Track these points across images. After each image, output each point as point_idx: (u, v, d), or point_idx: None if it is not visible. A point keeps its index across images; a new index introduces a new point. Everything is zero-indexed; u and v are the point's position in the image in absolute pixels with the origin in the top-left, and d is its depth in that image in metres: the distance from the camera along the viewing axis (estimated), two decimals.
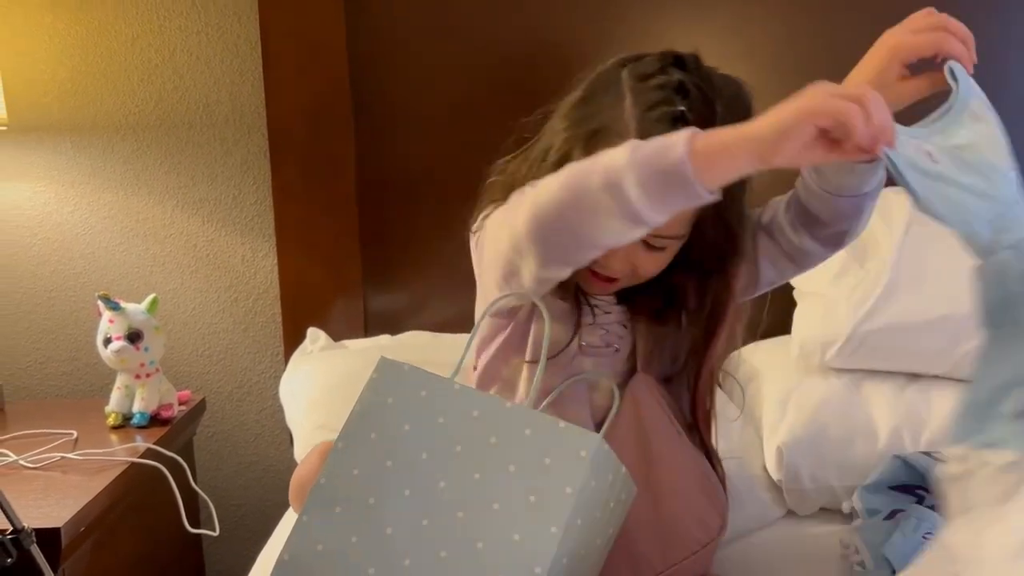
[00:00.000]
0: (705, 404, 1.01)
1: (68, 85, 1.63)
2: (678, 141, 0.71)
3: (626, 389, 0.95)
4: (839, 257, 1.34)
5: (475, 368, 1.04)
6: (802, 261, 0.99)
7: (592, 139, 0.87)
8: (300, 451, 1.39)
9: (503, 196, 0.91)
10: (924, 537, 0.98)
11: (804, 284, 1.40)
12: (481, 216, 0.97)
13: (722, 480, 1.01)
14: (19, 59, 1.61)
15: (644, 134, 0.81)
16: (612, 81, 0.89)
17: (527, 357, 0.98)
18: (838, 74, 1.48)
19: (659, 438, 0.93)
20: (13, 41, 1.61)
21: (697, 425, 1.00)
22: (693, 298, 0.96)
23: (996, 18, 1.51)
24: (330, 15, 1.52)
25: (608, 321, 0.99)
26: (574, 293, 0.96)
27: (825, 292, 1.34)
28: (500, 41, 1.55)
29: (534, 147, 0.96)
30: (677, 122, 0.83)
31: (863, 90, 0.67)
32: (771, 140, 0.68)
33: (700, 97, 0.85)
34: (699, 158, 0.70)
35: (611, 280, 0.93)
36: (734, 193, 0.87)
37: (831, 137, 0.67)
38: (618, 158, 0.74)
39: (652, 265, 0.92)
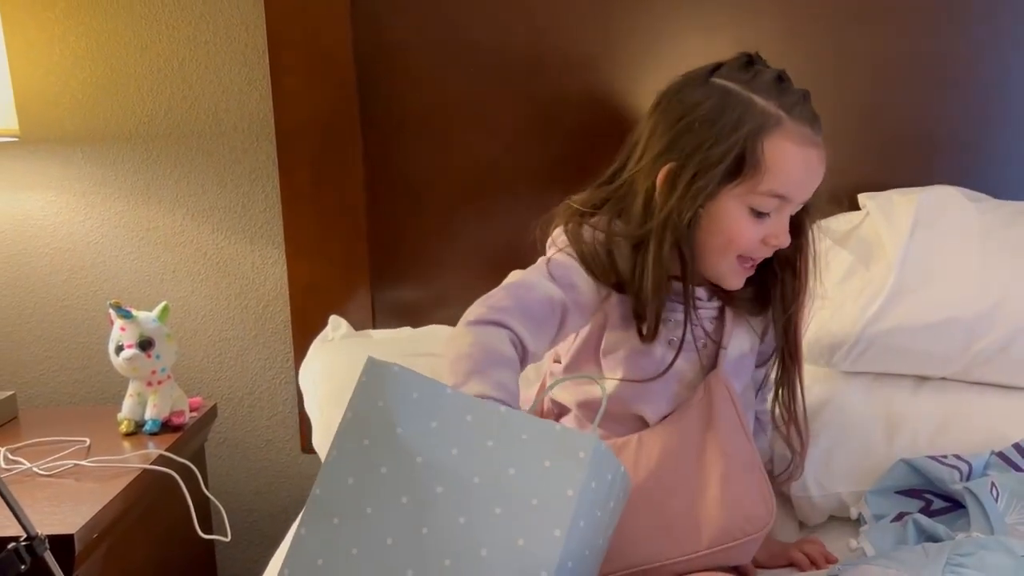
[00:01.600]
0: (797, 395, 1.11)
1: (79, 96, 1.65)
2: None
3: (704, 379, 1.02)
4: (845, 259, 1.35)
5: (556, 362, 1.11)
6: None
7: (750, 137, 0.96)
8: (319, 440, 1.40)
9: (568, 221, 1.04)
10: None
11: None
12: (552, 234, 1.07)
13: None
14: (31, 70, 1.63)
15: (794, 120, 0.97)
16: (720, 97, 0.99)
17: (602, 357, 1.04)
18: (837, 73, 1.50)
19: (724, 428, 0.98)
20: (25, 52, 1.62)
21: (797, 420, 1.10)
22: (779, 282, 1.07)
23: (999, 16, 1.51)
24: (337, 23, 1.53)
25: (701, 315, 1.05)
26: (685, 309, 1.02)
27: (831, 294, 1.34)
28: (506, 47, 1.56)
29: (617, 193, 1.05)
30: (807, 99, 1.00)
31: None
32: None
33: (802, 91, 1.01)
34: None
35: (755, 262, 1.03)
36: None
37: None
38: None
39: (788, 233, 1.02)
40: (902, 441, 1.22)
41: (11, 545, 0.84)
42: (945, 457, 1.13)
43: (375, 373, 0.84)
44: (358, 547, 0.77)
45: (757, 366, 1.13)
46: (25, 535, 0.84)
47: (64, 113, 1.65)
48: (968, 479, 1.09)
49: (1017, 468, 1.11)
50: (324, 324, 1.59)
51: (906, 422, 1.24)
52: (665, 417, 1.04)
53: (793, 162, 0.97)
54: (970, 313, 1.26)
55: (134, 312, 1.45)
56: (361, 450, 0.81)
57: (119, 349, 1.45)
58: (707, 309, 1.06)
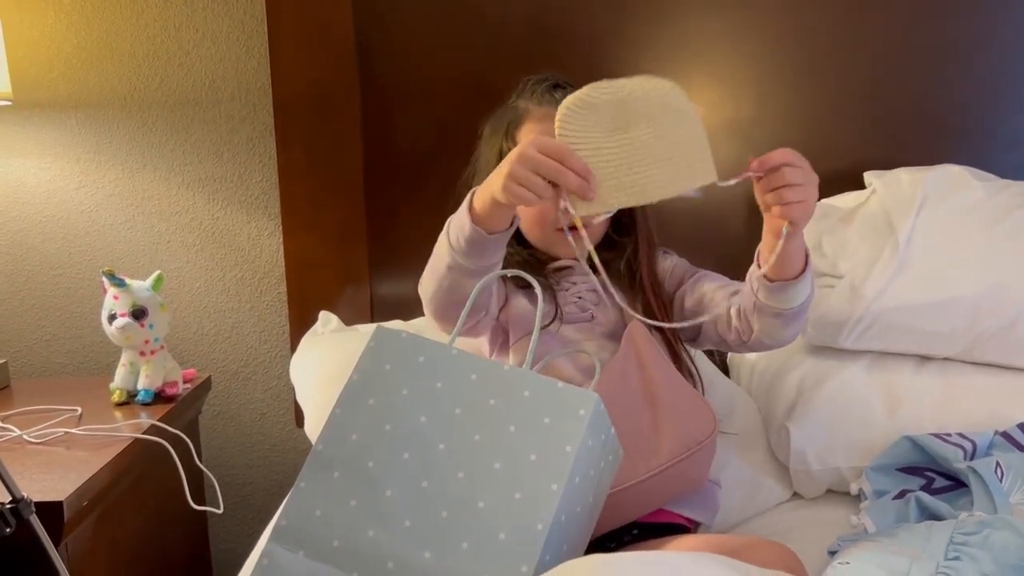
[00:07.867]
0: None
1: (73, 61, 1.62)
2: (464, 212, 0.96)
3: (625, 333, 1.10)
4: (851, 238, 1.33)
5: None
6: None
7: (505, 137, 1.17)
8: (312, 426, 1.39)
9: None
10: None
11: (815, 265, 1.39)
12: None
13: None
14: (24, 34, 1.61)
15: (537, 104, 1.16)
16: (505, 109, 1.21)
17: (512, 339, 1.15)
18: (843, 51, 1.48)
19: (654, 365, 1.07)
20: (18, 17, 1.60)
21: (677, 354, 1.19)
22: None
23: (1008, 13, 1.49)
24: None
25: (580, 290, 1.17)
26: (543, 274, 1.17)
27: (836, 273, 1.32)
28: (508, 20, 1.53)
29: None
30: (556, 87, 1.17)
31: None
32: (498, 185, 0.91)
33: (563, 81, 1.18)
34: (477, 217, 0.95)
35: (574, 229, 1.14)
36: None
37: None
38: (445, 246, 1.00)
39: None
40: (904, 418, 1.20)
41: None
42: (949, 435, 1.11)
43: (383, 339, 0.88)
44: (357, 499, 0.80)
45: (677, 292, 1.22)
46: (11, 499, 0.83)
47: (58, 78, 1.63)
48: (972, 458, 1.08)
49: (1021, 448, 1.10)
50: (320, 297, 1.57)
51: (908, 399, 1.22)
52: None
53: None
54: (974, 292, 1.25)
55: (127, 281, 1.43)
56: (366, 409, 0.84)
57: (112, 318, 1.43)
58: (587, 283, 1.17)
